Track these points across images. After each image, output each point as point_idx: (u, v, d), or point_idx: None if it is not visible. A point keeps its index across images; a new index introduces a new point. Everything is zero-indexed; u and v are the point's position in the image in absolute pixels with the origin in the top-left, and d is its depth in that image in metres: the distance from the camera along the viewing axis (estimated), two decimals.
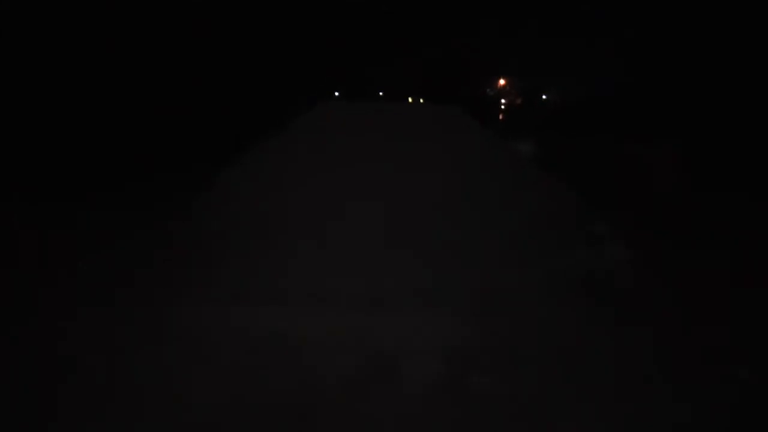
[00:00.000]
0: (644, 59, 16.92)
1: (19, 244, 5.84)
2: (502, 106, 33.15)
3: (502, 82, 33.53)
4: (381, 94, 22.68)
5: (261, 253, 4.59)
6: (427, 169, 5.30)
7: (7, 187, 8.41)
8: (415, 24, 21.83)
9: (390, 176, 5.15)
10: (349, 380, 3.05)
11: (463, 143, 5.64)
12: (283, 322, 3.70)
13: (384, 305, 3.92)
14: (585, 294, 4.30)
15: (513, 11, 23.11)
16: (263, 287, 4.20)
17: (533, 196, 5.51)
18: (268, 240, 4.73)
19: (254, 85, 16.61)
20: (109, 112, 11.98)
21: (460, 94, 22.01)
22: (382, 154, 5.34)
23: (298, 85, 17.65)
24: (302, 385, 3.00)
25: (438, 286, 4.21)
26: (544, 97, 29.07)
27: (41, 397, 2.87)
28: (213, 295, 4.09)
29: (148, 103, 12.87)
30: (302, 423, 2.70)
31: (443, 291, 4.17)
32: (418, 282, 4.23)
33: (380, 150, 5.44)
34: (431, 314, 3.83)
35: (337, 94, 22.15)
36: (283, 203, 5.04)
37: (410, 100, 22.33)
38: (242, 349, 3.36)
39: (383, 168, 5.20)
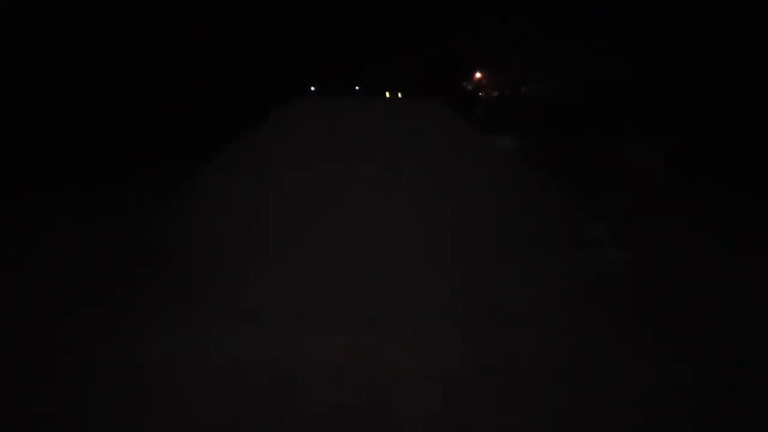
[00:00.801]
0: (626, 51, 16.81)
1: None
2: (480, 100, 33.00)
3: (478, 75, 33.37)
4: (357, 88, 22.20)
5: (234, 262, 4.22)
6: (407, 167, 4.97)
7: None
8: (390, 19, 21.48)
9: (370, 172, 4.81)
10: (336, 414, 2.71)
11: (442, 139, 5.31)
12: (260, 343, 3.35)
13: (374, 320, 3.59)
14: (584, 301, 4.02)
15: (489, 3, 22.91)
16: (236, 303, 3.84)
17: (521, 195, 5.23)
18: (241, 247, 4.36)
19: (223, 81, 15.95)
20: (73, 114, 11.43)
21: (436, 87, 21.69)
22: (359, 151, 4.99)
23: (270, 80, 17.09)
24: (281, 420, 2.65)
25: (429, 295, 3.90)
26: (522, 89, 28.95)
27: None
28: (182, 314, 3.71)
29: (111, 101, 12.27)
30: None
31: (435, 301, 3.85)
32: (407, 293, 3.91)
33: (357, 146, 5.09)
34: (426, 331, 3.51)
35: (313, 89, 21.69)
36: (257, 205, 4.66)
37: (387, 95, 21.97)
38: (213, 378, 2.99)
39: (360, 164, 4.86)
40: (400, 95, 22.41)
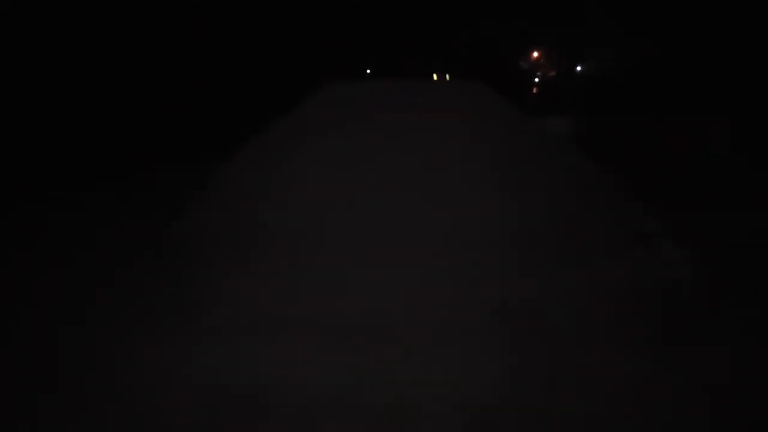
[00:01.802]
0: (691, 25, 15.57)
1: None
2: (536, 79, 31.86)
3: (535, 54, 32.19)
4: (405, 71, 21.69)
5: (238, 268, 3.98)
6: (444, 159, 4.58)
7: None
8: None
9: (400, 170, 4.45)
10: None
11: (484, 122, 4.88)
12: (258, 363, 3.09)
13: (392, 338, 3.26)
14: (635, 314, 3.55)
15: None
16: (236, 313, 3.59)
17: (566, 185, 4.75)
18: (250, 252, 4.11)
19: (248, 68, 15.40)
20: (85, 106, 11.40)
21: (487, 68, 20.89)
22: (391, 145, 4.64)
23: (300, 65, 16.49)
24: None
25: (453, 306, 3.53)
26: (578, 68, 27.67)
27: None
28: (174, 326, 3.48)
29: (127, 96, 12.10)
30: None
31: (460, 313, 3.49)
32: (430, 307, 3.55)
33: (389, 138, 4.73)
34: (446, 353, 3.14)
35: (369, 71, 21.32)
36: (272, 207, 4.41)
37: (435, 77, 21.34)
38: (201, 406, 2.72)
39: (393, 162, 4.51)
40: (447, 77, 21.73)
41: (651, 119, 12.55)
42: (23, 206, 7.26)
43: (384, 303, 3.49)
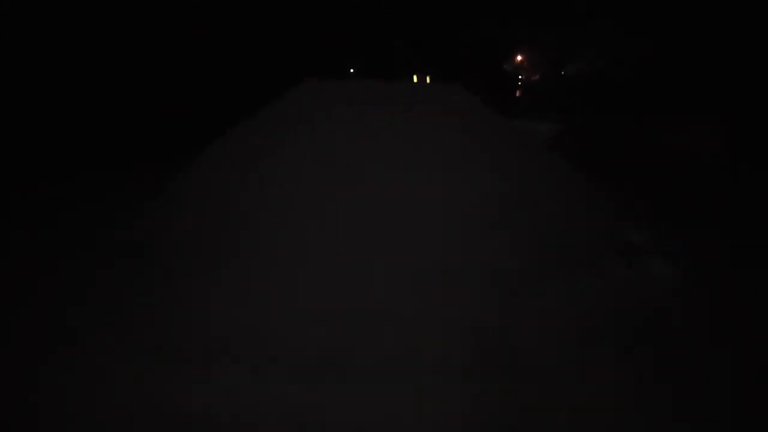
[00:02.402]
0: (679, 25, 15.39)
1: None
2: (519, 82, 31.76)
3: (519, 57, 32.10)
4: (387, 72, 21.16)
5: (209, 283, 3.60)
6: (421, 164, 4.24)
7: None
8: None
9: (369, 173, 4.11)
10: None
11: (459, 124, 4.55)
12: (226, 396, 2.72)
13: (377, 371, 2.90)
14: (618, 341, 3.22)
15: None
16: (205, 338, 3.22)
17: (544, 193, 4.44)
18: (221, 264, 3.73)
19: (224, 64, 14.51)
20: (58, 100, 10.95)
21: (473, 70, 20.62)
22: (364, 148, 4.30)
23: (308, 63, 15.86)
24: None
25: (416, 329, 3.19)
26: (563, 72, 27.58)
27: None
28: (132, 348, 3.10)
29: (95, 90, 11.54)
30: None
31: (424, 336, 3.14)
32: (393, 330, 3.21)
33: (361, 140, 4.39)
34: (426, 383, 2.79)
35: (352, 71, 20.79)
36: (235, 212, 4.03)
37: (415, 79, 20.97)
38: None
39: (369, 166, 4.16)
40: (428, 80, 21.39)
41: (639, 119, 12.28)
42: None
43: (347, 331, 3.13)
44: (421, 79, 21.17)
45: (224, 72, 14.13)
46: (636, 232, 4.84)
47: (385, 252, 3.59)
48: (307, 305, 3.27)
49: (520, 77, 32.26)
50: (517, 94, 30.29)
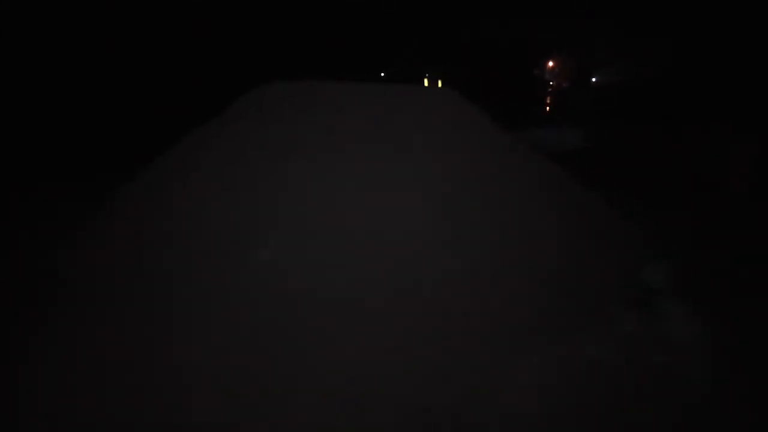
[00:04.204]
0: (717, 33, 14.30)
1: None
2: (550, 88, 30.70)
3: (550, 63, 31.09)
4: (382, 75, 20.03)
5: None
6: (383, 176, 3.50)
7: None
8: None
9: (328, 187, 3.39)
10: None
11: (439, 135, 3.79)
12: None
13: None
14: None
15: None
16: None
17: (537, 217, 3.64)
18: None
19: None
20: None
21: (494, 74, 19.65)
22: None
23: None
24: None
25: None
26: (593, 79, 26.47)
27: None
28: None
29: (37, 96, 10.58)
30: None
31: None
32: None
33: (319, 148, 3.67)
34: None
35: (383, 74, 19.71)
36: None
37: (426, 82, 20.06)
38: None
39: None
40: (440, 83, 20.39)
41: (671, 129, 11.19)
42: None
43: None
44: (433, 83, 20.27)
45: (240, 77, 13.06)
46: (658, 269, 3.96)
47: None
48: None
49: (551, 83, 31.22)
50: (548, 100, 29.28)
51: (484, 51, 20.39)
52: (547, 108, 27.92)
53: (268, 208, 3.36)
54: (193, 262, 3.14)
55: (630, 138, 12.00)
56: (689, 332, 3.03)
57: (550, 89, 30.98)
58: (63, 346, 2.77)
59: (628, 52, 20.58)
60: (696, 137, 9.94)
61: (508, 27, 21.56)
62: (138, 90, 11.48)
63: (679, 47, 15.69)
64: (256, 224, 3.27)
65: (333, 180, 3.49)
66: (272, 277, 2.98)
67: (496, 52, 21.18)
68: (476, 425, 2.35)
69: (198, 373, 2.51)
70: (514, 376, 2.61)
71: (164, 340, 2.68)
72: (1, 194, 7.35)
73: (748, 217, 6.21)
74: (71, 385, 2.51)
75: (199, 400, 2.38)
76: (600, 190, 4.96)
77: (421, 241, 3.15)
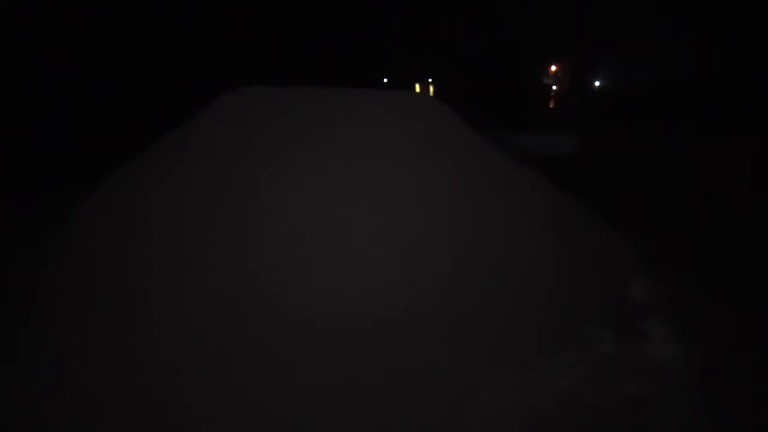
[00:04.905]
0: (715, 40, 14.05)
1: None
2: (552, 93, 30.43)
3: (553, 68, 30.86)
4: (385, 81, 19.80)
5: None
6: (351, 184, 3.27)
7: None
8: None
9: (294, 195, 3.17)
10: None
11: (408, 143, 3.55)
12: None
13: None
14: None
15: None
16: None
17: (509, 226, 3.39)
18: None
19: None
20: None
21: (487, 79, 19.28)
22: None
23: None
24: None
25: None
26: (597, 83, 26.22)
27: None
28: None
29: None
30: None
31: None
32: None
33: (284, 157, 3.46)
34: None
35: (386, 80, 19.39)
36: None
37: (418, 88, 19.77)
38: None
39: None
40: (431, 90, 20.12)
41: (667, 134, 10.90)
42: None
43: None
44: (424, 89, 19.99)
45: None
46: (644, 283, 3.69)
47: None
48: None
49: (554, 87, 30.96)
50: (551, 104, 29.01)
51: (482, 58, 20.10)
52: (549, 111, 27.63)
53: (238, 215, 3.15)
54: (160, 266, 2.92)
55: (624, 142, 11.76)
56: (671, 356, 2.76)
57: (552, 93, 30.72)
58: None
59: (629, 59, 20.34)
60: (693, 140, 9.68)
61: (506, 32, 21.33)
62: (112, 93, 10.99)
63: (679, 52, 15.48)
64: (226, 230, 3.06)
65: (289, 183, 3.27)
66: (236, 286, 2.76)
67: (493, 59, 20.87)
68: None
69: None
70: (475, 413, 2.35)
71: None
72: None
73: (746, 221, 5.87)
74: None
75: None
76: (585, 196, 4.67)
77: (383, 252, 2.92)
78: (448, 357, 2.58)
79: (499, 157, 3.95)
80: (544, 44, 24.23)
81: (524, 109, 20.22)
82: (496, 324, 2.81)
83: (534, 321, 2.92)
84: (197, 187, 3.42)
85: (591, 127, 15.22)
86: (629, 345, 2.86)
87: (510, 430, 2.24)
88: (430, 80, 21.62)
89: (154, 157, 3.98)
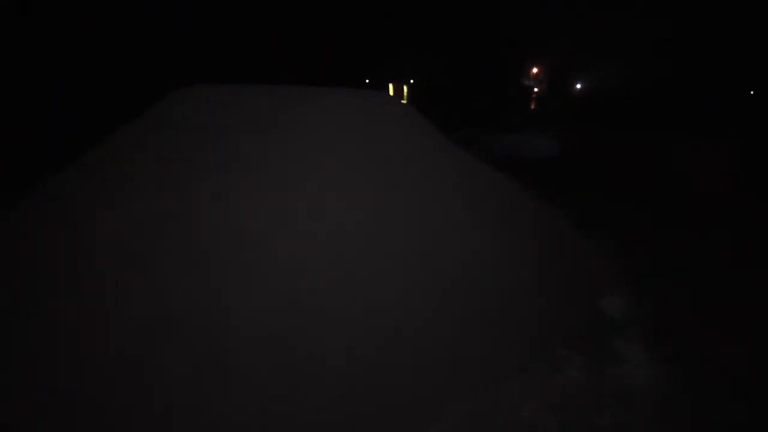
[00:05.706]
0: (695, 43, 14.05)
1: None
2: (533, 95, 30.44)
3: (534, 70, 30.86)
4: (367, 81, 19.67)
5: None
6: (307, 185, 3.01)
7: None
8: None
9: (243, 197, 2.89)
10: None
11: (369, 142, 3.30)
12: None
13: None
14: None
15: None
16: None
17: (470, 229, 3.15)
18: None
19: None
20: None
21: (486, 85, 19.18)
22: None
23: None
24: None
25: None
26: (578, 86, 26.22)
27: None
28: None
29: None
30: None
31: None
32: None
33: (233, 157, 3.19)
34: None
35: (368, 81, 19.22)
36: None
37: (391, 89, 19.55)
38: None
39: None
40: (405, 91, 19.85)
41: (646, 137, 10.79)
42: None
43: None
44: (398, 90, 19.73)
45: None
46: (617, 295, 3.48)
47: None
48: None
49: (535, 89, 30.97)
50: (532, 106, 29.01)
51: (464, 59, 19.97)
52: (530, 113, 27.65)
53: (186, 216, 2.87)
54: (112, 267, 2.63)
55: (601, 144, 11.64)
56: (642, 379, 2.54)
57: (533, 95, 30.75)
58: None
59: (611, 62, 20.32)
60: (674, 141, 9.58)
61: (488, 33, 21.22)
62: (55, 92, 10.44)
63: (660, 55, 15.50)
64: (178, 231, 2.77)
65: (221, 184, 3.00)
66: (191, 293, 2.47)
67: (475, 60, 20.75)
68: None
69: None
70: None
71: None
72: None
73: (732, 222, 5.68)
74: None
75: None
76: (559, 197, 4.47)
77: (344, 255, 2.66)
78: (400, 380, 2.33)
79: (464, 157, 3.71)
80: (526, 46, 24.22)
81: (505, 112, 20.16)
82: (447, 349, 2.55)
83: (493, 342, 2.68)
84: (143, 187, 3.14)
85: (571, 128, 15.11)
86: (599, 366, 2.64)
87: None
88: (411, 81, 21.41)
89: (97, 157, 3.68)
